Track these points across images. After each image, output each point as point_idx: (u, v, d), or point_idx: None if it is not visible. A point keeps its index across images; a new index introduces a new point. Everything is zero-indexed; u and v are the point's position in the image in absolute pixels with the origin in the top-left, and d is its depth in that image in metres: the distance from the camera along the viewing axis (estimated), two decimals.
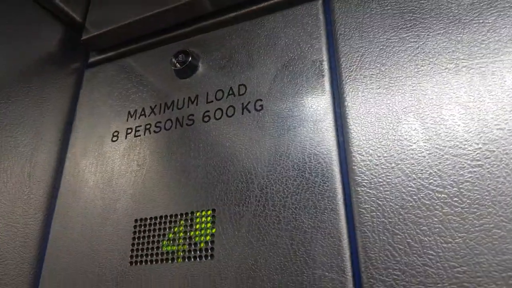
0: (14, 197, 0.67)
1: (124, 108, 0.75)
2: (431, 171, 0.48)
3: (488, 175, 0.45)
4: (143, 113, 0.73)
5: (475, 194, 0.45)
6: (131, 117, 0.73)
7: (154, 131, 0.70)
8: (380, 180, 0.50)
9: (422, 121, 0.50)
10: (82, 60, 0.86)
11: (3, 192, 0.66)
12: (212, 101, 0.67)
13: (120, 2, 0.82)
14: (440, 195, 0.47)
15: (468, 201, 0.45)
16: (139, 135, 0.71)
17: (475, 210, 0.44)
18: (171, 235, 0.60)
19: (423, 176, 0.48)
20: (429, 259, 0.45)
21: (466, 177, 0.47)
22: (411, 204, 0.48)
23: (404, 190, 0.48)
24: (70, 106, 0.80)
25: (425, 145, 0.49)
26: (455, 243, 0.44)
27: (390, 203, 0.49)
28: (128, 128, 0.72)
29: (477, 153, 0.46)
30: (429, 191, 0.47)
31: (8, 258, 0.65)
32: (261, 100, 0.62)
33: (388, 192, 0.49)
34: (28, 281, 0.66)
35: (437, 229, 0.46)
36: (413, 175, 0.49)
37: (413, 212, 0.47)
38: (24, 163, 0.70)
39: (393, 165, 0.50)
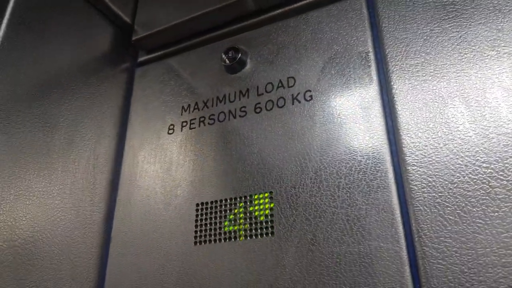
0: (82, 187, 0.74)
1: (177, 103, 0.81)
2: (477, 149, 0.53)
3: None
4: (196, 107, 0.78)
5: None
6: (185, 111, 0.79)
7: (209, 123, 0.75)
8: (429, 159, 0.55)
9: (467, 104, 0.55)
10: (132, 59, 0.92)
11: (74, 182, 0.73)
12: (262, 94, 0.72)
13: (166, 3, 0.88)
14: (486, 170, 0.51)
15: None
16: (194, 127, 0.76)
17: None
18: (231, 216, 0.65)
19: (470, 154, 0.53)
20: (477, 227, 0.50)
21: (509, 153, 0.51)
22: (459, 179, 0.52)
23: (452, 167, 0.53)
24: (125, 102, 0.87)
25: (470, 126, 0.54)
26: (501, 212, 0.49)
27: (440, 179, 0.53)
28: (183, 122, 0.78)
29: None
30: (476, 167, 0.52)
31: (79, 242, 0.71)
32: (310, 91, 0.68)
33: (437, 170, 0.54)
34: (97, 263, 0.72)
35: (485, 201, 0.50)
36: (461, 153, 0.53)
37: (462, 186, 0.52)
38: (89, 155, 0.77)
39: (441, 145, 0.55)
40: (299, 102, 0.68)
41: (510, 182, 0.50)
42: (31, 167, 0.66)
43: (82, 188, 0.74)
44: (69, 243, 0.68)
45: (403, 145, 0.57)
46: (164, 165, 0.76)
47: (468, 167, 0.52)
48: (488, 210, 0.50)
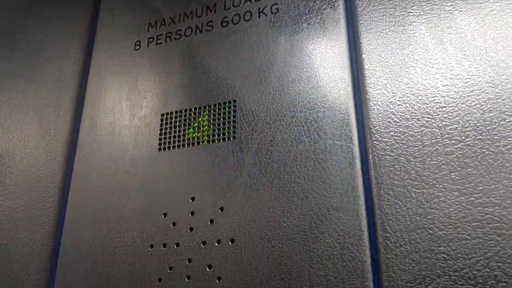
0: (46, 97, 0.74)
1: (144, 20, 0.80)
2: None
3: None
4: (163, 23, 0.78)
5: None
6: (152, 27, 0.79)
7: (175, 39, 0.76)
8: (386, 65, 0.57)
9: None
10: None
11: (37, 90, 0.72)
12: (229, 8, 0.73)
13: None
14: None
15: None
16: (161, 43, 0.76)
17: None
18: (195, 124, 0.67)
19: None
20: (426, 123, 0.53)
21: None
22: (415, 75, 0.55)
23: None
24: (92, 20, 0.85)
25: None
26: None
27: (395, 82, 0.56)
28: (149, 38, 0.78)
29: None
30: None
31: (44, 149, 0.71)
32: (276, 4, 0.69)
33: (393, 73, 0.57)
34: (62, 168, 0.73)
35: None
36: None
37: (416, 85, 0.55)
38: (53, 67, 0.76)
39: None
40: (266, 15, 0.69)
41: (459, 80, 0.53)
42: None
43: (46, 98, 0.73)
44: (32, 148, 0.69)
45: (362, 51, 0.59)
46: (130, 79, 0.76)
47: (421, 68, 0.55)
48: (436, 106, 0.53)
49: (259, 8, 0.70)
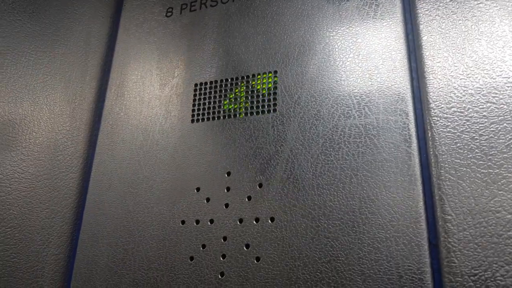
0: (73, 61, 0.69)
1: None
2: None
3: None
4: None
5: None
6: None
7: (211, 5, 0.71)
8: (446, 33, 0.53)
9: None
10: None
11: (64, 53, 0.68)
12: None
13: None
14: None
15: None
16: (195, 9, 0.72)
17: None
18: (232, 96, 0.62)
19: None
20: (492, 96, 0.48)
21: None
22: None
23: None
24: None
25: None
26: None
27: (456, 56, 0.52)
28: (182, 4, 0.74)
29: None
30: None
31: (68, 116, 0.67)
32: None
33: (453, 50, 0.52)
34: (86, 138, 0.68)
35: None
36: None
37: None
38: (81, 30, 0.72)
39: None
40: None
41: None
42: (17, 30, 0.61)
43: (73, 63, 0.69)
44: (57, 114, 0.65)
45: (419, 22, 0.55)
46: (161, 46, 0.72)
47: (487, 41, 0.51)
48: (504, 80, 0.48)
49: None
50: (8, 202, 0.58)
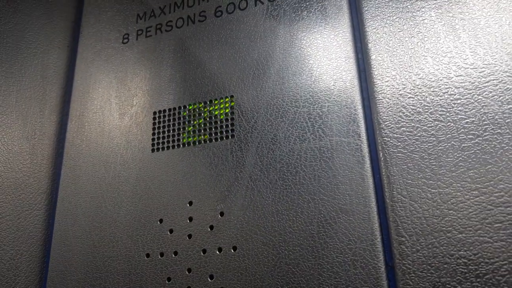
0: (30, 96, 0.69)
1: (132, 11, 0.75)
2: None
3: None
4: (152, 14, 0.73)
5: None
6: (141, 19, 0.74)
7: (166, 30, 0.71)
8: (394, 54, 0.53)
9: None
10: None
11: (19, 89, 0.67)
12: None
13: None
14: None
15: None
16: (151, 35, 0.72)
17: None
18: (190, 128, 0.62)
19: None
20: (439, 115, 0.49)
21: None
22: (420, 77, 0.51)
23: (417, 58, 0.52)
24: (76, 14, 0.80)
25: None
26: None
27: (403, 77, 0.52)
28: (138, 30, 0.73)
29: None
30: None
31: (28, 153, 0.66)
32: None
33: (402, 69, 0.53)
34: (49, 173, 0.68)
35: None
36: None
37: (424, 84, 0.51)
38: (36, 64, 0.71)
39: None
40: (262, 3, 0.64)
41: (474, 69, 0.49)
42: None
43: (30, 98, 0.68)
44: (16, 153, 0.64)
45: (368, 40, 0.55)
46: (119, 74, 0.71)
47: (433, 57, 0.51)
48: (451, 98, 0.49)
49: None
50: None
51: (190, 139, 0.61)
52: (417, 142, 0.49)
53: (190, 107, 0.63)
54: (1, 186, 0.61)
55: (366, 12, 0.57)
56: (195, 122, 0.62)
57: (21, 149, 0.65)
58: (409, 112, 0.50)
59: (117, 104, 0.69)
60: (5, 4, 0.66)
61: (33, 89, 0.69)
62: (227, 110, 0.60)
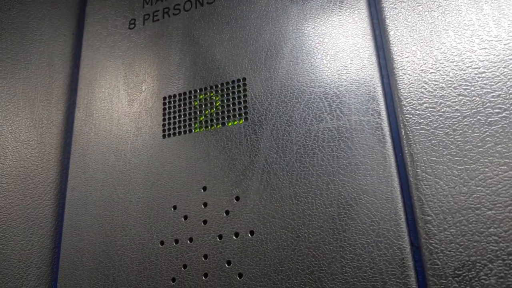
0: (36, 84, 0.67)
1: None
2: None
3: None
4: None
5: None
6: (147, 3, 0.72)
7: (174, 14, 0.69)
8: (412, 27, 0.51)
9: None
10: None
11: (25, 77, 0.66)
12: None
13: None
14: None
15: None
16: (158, 19, 0.70)
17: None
18: (202, 118, 0.60)
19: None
20: (462, 89, 0.47)
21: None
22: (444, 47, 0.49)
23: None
24: (81, 1, 0.78)
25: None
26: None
27: (424, 52, 0.50)
28: (145, 15, 0.71)
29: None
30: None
31: (36, 142, 0.65)
32: None
33: (421, 38, 0.51)
34: (58, 162, 0.66)
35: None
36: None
37: (447, 58, 0.49)
38: (42, 51, 0.69)
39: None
40: None
41: (499, 42, 0.47)
42: None
43: (36, 86, 0.67)
44: (24, 141, 0.62)
45: (385, 16, 0.53)
46: (126, 60, 0.69)
47: (454, 31, 0.49)
48: (475, 72, 0.47)
49: None
50: None
51: (202, 129, 0.60)
52: (440, 118, 0.47)
53: (201, 97, 0.61)
54: (10, 175, 0.59)
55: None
56: (206, 112, 0.60)
57: (29, 138, 0.63)
58: (431, 87, 0.48)
59: (125, 90, 0.67)
60: None
61: (39, 77, 0.67)
62: (239, 94, 0.58)
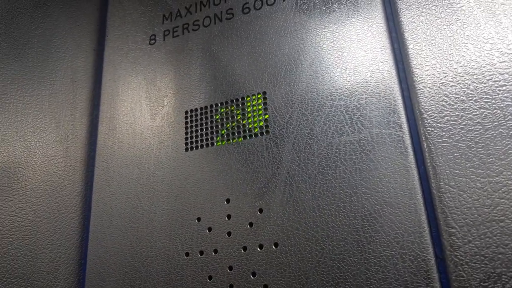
0: (61, 100, 0.69)
1: (157, 12, 0.75)
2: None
3: None
4: (178, 14, 0.73)
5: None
6: (167, 19, 0.74)
7: (193, 30, 0.70)
8: (432, 42, 0.52)
9: None
10: None
11: (51, 94, 0.68)
12: None
13: None
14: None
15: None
16: (178, 35, 0.71)
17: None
18: (224, 132, 0.62)
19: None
20: (484, 102, 0.48)
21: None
22: (464, 58, 0.50)
23: (457, 46, 0.51)
24: (101, 16, 0.80)
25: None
26: (509, 86, 0.47)
27: (443, 60, 0.51)
28: (165, 30, 0.73)
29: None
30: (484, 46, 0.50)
31: (62, 156, 0.67)
32: None
33: (440, 50, 0.51)
34: (82, 175, 0.68)
35: (492, 76, 0.48)
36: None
37: (467, 65, 0.50)
38: (66, 68, 0.71)
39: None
40: None
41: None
42: (2, 77, 0.60)
43: (62, 102, 0.69)
44: (51, 156, 0.64)
45: (404, 30, 0.54)
46: (148, 76, 0.71)
47: (474, 44, 0.50)
48: (495, 84, 0.48)
49: None
50: (10, 253, 0.58)
51: (224, 143, 0.61)
52: (462, 131, 0.47)
53: (222, 110, 0.63)
54: (38, 190, 0.61)
55: (401, 1, 0.56)
56: (228, 125, 0.61)
57: (56, 153, 0.65)
58: (452, 100, 0.49)
59: (147, 105, 0.69)
60: (34, 10, 0.66)
61: (64, 93, 0.69)
62: (260, 107, 0.60)
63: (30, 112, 0.63)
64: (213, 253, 0.56)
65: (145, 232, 0.61)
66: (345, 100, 0.55)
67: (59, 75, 0.69)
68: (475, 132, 0.47)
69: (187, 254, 0.57)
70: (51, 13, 0.71)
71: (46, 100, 0.66)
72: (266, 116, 0.59)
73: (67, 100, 0.69)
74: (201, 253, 0.56)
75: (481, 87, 0.48)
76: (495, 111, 0.47)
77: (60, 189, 0.64)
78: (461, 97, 0.49)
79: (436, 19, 0.53)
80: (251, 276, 0.52)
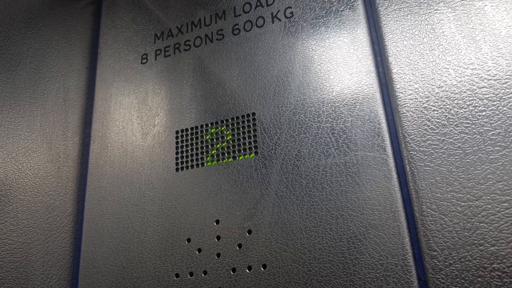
0: (53, 120, 0.70)
1: (149, 32, 0.76)
2: (463, 51, 0.52)
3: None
4: (170, 34, 0.74)
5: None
6: (158, 39, 0.75)
7: (184, 49, 0.72)
8: (415, 66, 0.54)
9: (453, 8, 0.53)
10: None
11: (43, 114, 0.68)
12: (240, 15, 0.69)
13: None
14: (472, 72, 0.51)
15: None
16: (169, 55, 0.73)
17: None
18: (213, 152, 0.63)
19: (456, 57, 0.52)
20: (465, 127, 0.49)
21: (495, 53, 0.50)
22: (446, 82, 0.51)
23: (438, 71, 0.52)
24: (94, 35, 0.81)
25: (457, 29, 0.52)
26: (488, 111, 0.49)
27: (426, 85, 0.52)
28: (157, 50, 0.74)
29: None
30: (463, 69, 0.51)
31: (53, 176, 0.67)
32: (290, 7, 0.65)
33: (423, 75, 0.53)
34: (74, 195, 0.69)
35: (472, 101, 0.50)
36: (446, 57, 0.52)
37: (448, 90, 0.51)
38: (58, 87, 0.72)
39: (426, 50, 0.53)
40: (279, 20, 0.65)
41: (497, 81, 0.49)
42: None
43: (53, 122, 0.69)
44: (42, 177, 0.65)
45: (388, 54, 0.56)
46: (139, 95, 0.72)
47: (455, 70, 0.52)
48: (475, 110, 0.49)
49: (272, 13, 0.66)
50: (2, 275, 0.58)
51: (214, 163, 0.62)
52: (443, 155, 0.49)
53: (212, 131, 0.64)
54: (30, 211, 0.62)
55: (385, 26, 0.57)
56: (217, 146, 0.63)
57: (47, 173, 0.66)
58: (434, 125, 0.50)
59: (139, 124, 0.70)
60: (26, 30, 0.67)
61: (56, 112, 0.70)
62: (249, 128, 0.61)
63: (21, 133, 0.64)
64: (203, 275, 0.57)
65: (135, 253, 0.62)
66: (331, 122, 0.56)
67: (51, 95, 0.70)
68: (456, 157, 0.48)
69: (177, 275, 0.58)
70: (44, 33, 0.72)
71: (38, 121, 0.66)
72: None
73: (59, 120, 0.70)
74: (191, 274, 0.57)
75: (461, 112, 0.50)
76: (475, 136, 0.48)
77: (51, 209, 0.65)
78: (443, 121, 0.50)
79: (419, 44, 0.55)
80: None
